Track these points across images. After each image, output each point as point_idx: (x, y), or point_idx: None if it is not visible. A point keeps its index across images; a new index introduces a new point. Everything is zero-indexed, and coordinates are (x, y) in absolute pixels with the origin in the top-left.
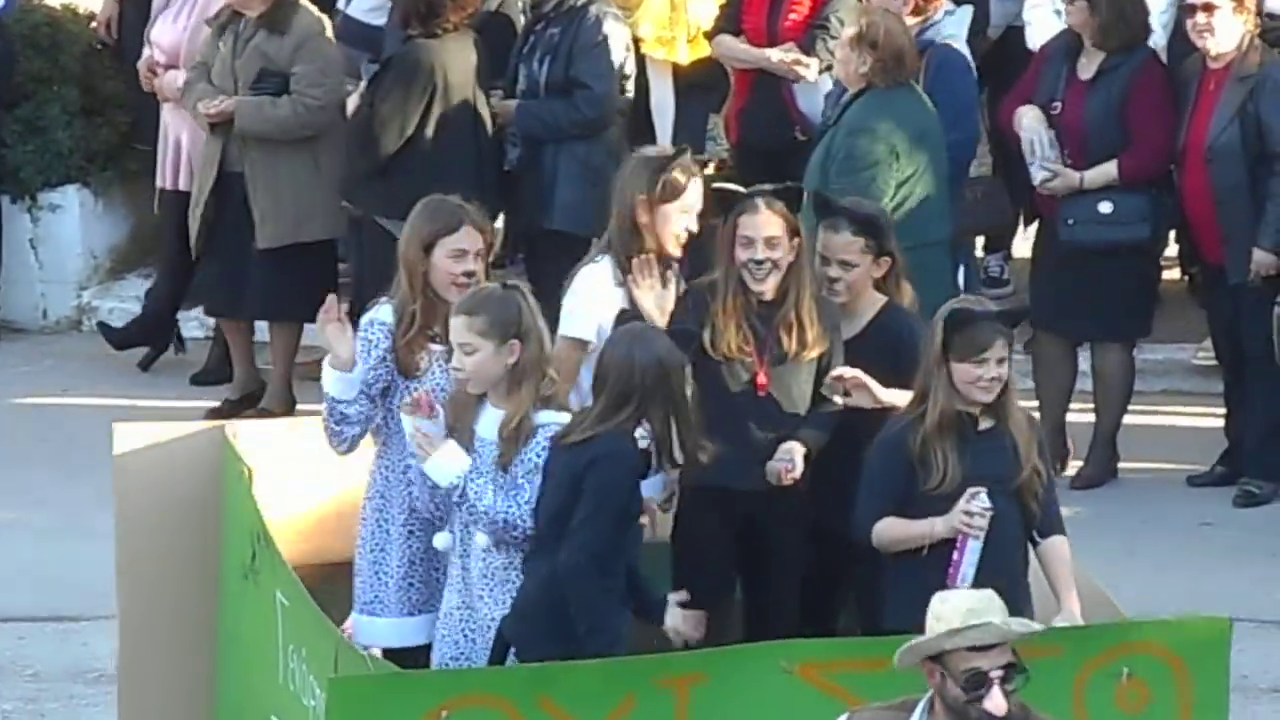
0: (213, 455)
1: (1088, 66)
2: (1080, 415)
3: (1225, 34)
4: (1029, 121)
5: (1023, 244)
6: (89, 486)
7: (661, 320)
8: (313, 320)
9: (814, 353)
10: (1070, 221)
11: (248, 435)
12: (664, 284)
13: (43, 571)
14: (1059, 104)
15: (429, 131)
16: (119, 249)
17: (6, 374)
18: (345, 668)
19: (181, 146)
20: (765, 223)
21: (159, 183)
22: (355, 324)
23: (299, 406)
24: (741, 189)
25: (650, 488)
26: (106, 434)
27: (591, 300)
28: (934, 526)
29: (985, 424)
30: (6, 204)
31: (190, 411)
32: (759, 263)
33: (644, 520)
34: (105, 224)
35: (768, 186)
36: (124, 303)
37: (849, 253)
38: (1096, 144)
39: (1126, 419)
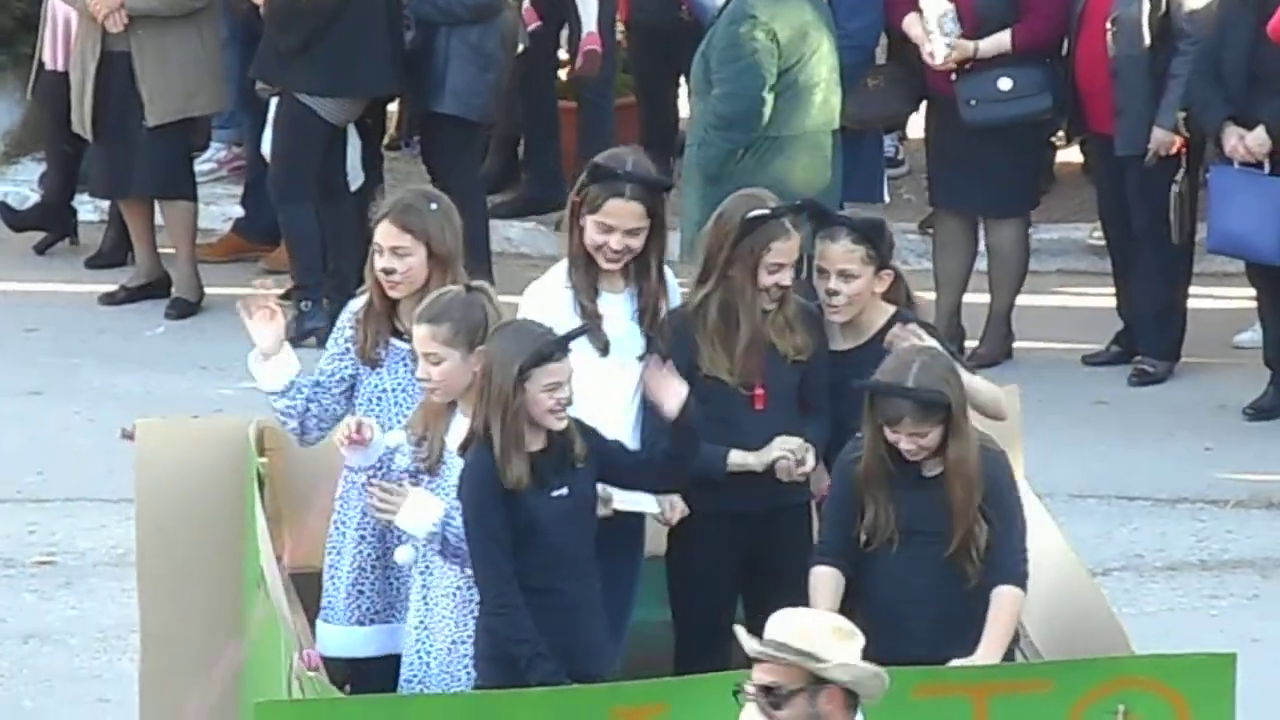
0: (236, 450)
1: None
2: (978, 296)
3: None
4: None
5: (916, 125)
6: None
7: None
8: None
9: (804, 354)
10: (972, 102)
11: (274, 430)
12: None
13: None
14: None
15: (350, 7)
16: (13, 133)
17: None
18: (296, 689)
19: (71, 26)
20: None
21: (49, 64)
22: (245, 208)
23: (208, 290)
24: (767, 211)
25: (648, 504)
26: None
27: (534, 305)
28: None
29: (931, 470)
30: None
31: (84, 295)
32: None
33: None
34: None
35: (784, 206)
36: (18, 187)
37: (849, 263)
38: (988, 16)
39: (1022, 298)
